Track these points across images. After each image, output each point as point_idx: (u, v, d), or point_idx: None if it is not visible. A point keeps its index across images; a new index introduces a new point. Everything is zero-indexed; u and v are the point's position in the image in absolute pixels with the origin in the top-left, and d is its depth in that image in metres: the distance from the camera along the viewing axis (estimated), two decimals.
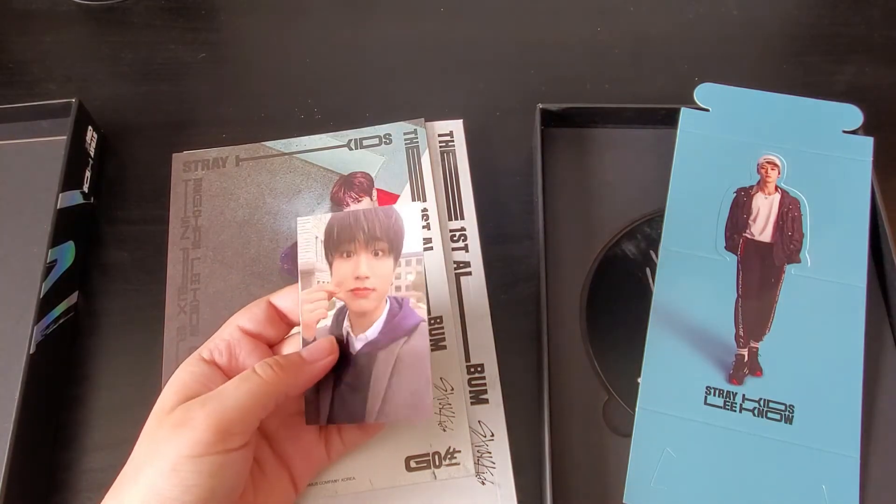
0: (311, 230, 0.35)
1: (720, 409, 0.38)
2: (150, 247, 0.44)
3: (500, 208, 0.45)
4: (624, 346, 0.40)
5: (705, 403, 0.38)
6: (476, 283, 0.42)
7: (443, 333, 0.40)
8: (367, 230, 0.34)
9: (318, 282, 0.34)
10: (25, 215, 0.45)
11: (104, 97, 0.50)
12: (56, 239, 0.41)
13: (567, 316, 0.42)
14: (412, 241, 0.34)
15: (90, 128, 0.47)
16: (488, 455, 0.38)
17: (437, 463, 0.37)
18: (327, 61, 0.52)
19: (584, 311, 0.42)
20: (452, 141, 0.47)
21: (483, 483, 0.37)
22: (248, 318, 0.33)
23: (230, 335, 0.33)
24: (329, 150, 0.46)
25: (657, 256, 0.41)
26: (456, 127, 0.47)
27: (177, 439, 0.27)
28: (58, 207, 0.42)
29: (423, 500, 0.37)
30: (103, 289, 0.44)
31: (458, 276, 0.42)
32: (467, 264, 0.43)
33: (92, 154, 0.47)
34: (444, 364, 0.40)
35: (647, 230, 0.44)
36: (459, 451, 0.38)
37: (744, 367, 0.38)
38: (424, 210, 0.44)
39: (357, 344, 0.34)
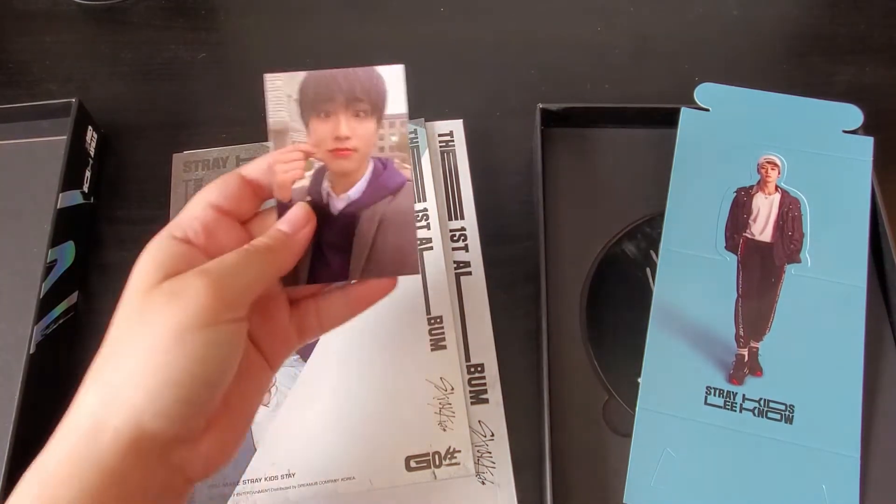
0: (281, 88, 0.33)
1: (720, 409, 0.38)
2: None
3: (500, 208, 0.45)
4: (624, 345, 0.40)
5: (705, 403, 0.38)
6: (476, 283, 0.42)
7: (443, 333, 0.40)
8: (346, 90, 0.33)
9: (293, 142, 0.32)
10: (25, 215, 0.45)
11: (104, 97, 0.50)
12: (56, 239, 0.41)
13: (567, 316, 0.41)
14: (395, 102, 0.33)
15: (90, 128, 0.47)
16: (488, 455, 0.38)
17: (437, 463, 0.37)
18: (327, 61, 0.52)
19: (584, 311, 0.42)
20: (452, 141, 0.47)
21: (483, 483, 0.37)
22: (221, 194, 0.31)
23: (203, 214, 0.30)
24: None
25: (657, 256, 0.41)
26: (456, 127, 0.47)
27: (176, 310, 0.26)
28: (58, 207, 0.42)
29: (423, 500, 0.37)
30: (103, 289, 0.44)
31: (458, 275, 0.42)
32: (467, 264, 0.43)
33: (92, 154, 0.47)
34: (444, 364, 0.40)
35: (648, 230, 0.44)
36: (459, 451, 0.38)
37: (744, 367, 0.38)
38: (424, 210, 0.44)
39: (338, 204, 0.32)
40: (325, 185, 0.32)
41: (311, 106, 0.33)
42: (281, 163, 0.32)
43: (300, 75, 0.33)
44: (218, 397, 0.27)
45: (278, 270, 0.30)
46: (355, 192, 0.32)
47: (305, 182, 0.32)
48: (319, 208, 0.32)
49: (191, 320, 0.26)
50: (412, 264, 0.32)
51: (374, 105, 0.33)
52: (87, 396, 0.27)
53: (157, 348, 0.25)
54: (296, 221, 0.31)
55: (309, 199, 0.32)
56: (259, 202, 0.33)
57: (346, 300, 0.33)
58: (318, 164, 0.32)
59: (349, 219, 0.32)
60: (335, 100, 0.33)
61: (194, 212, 0.31)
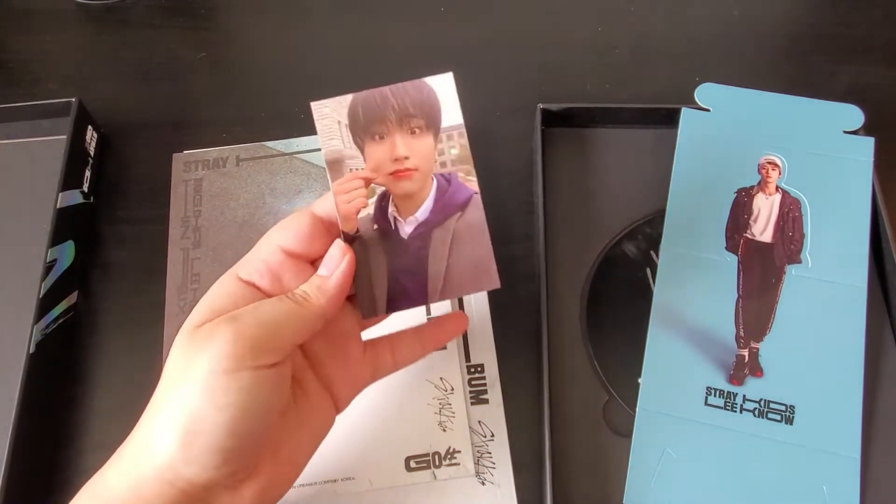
0: (330, 115, 0.31)
1: (720, 410, 0.37)
2: (150, 247, 0.44)
3: (500, 208, 0.45)
4: (624, 346, 0.40)
5: (706, 404, 0.38)
6: None
7: None
8: (397, 108, 0.31)
9: (350, 169, 0.31)
10: (25, 215, 0.45)
11: (104, 97, 0.50)
12: (56, 238, 0.41)
13: (567, 316, 0.41)
14: (450, 113, 0.31)
15: (90, 127, 0.47)
16: (488, 455, 0.38)
17: (437, 463, 0.37)
18: (328, 61, 0.52)
19: (584, 311, 0.42)
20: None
21: (483, 483, 0.37)
22: (292, 236, 0.30)
23: (270, 257, 0.30)
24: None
25: (658, 256, 0.41)
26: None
27: (206, 354, 0.26)
28: (58, 207, 0.42)
29: (423, 500, 0.37)
30: (103, 289, 0.44)
31: None
32: None
33: (92, 154, 0.47)
34: (445, 364, 0.40)
35: (648, 230, 0.43)
36: (459, 452, 0.38)
37: (744, 368, 0.38)
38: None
39: (407, 228, 0.31)
40: (391, 210, 0.31)
41: (364, 129, 0.31)
42: (341, 193, 0.31)
43: (347, 98, 0.32)
44: (252, 445, 0.27)
45: (318, 318, 0.29)
46: (423, 213, 0.31)
47: (370, 210, 0.31)
48: (388, 235, 0.31)
49: (215, 365, 0.26)
50: (492, 277, 0.31)
51: (428, 119, 0.31)
52: (138, 431, 0.27)
53: (189, 393, 0.26)
54: (331, 261, 0.30)
55: (376, 227, 0.31)
56: (332, 239, 0.31)
57: (419, 340, 0.34)
58: (380, 190, 0.31)
59: (420, 241, 0.31)
60: (387, 119, 0.31)
61: (262, 253, 0.30)
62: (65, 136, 0.44)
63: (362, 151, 0.31)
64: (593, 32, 0.53)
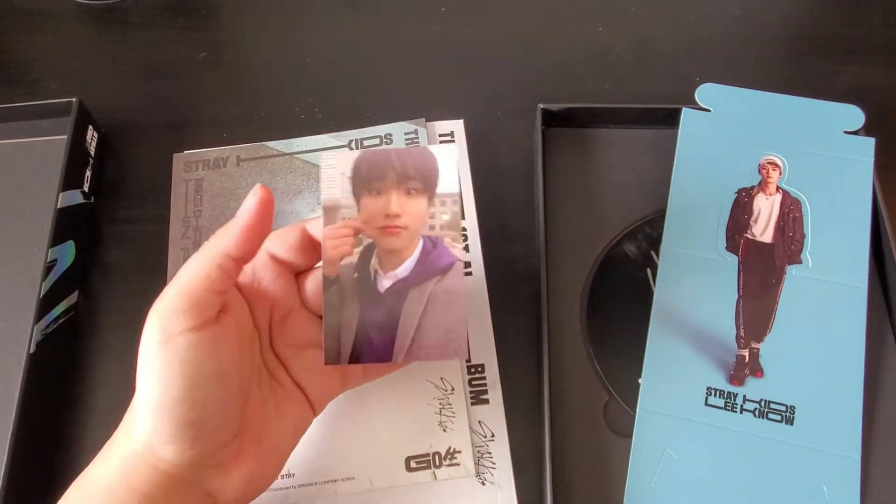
0: (336, 166, 0.33)
1: (721, 410, 0.37)
2: (151, 247, 0.44)
3: (500, 208, 0.45)
4: (624, 346, 0.40)
5: (706, 404, 0.38)
6: (476, 283, 0.42)
7: None
8: (399, 169, 0.33)
9: (344, 218, 0.33)
10: (25, 215, 0.45)
11: (104, 97, 0.50)
12: (56, 238, 0.41)
13: (567, 316, 0.41)
14: (447, 181, 0.33)
15: (90, 127, 0.47)
16: (488, 455, 0.38)
17: (438, 463, 0.37)
18: (328, 61, 0.52)
19: (584, 312, 0.42)
20: (453, 141, 0.47)
21: (483, 483, 0.37)
22: (280, 244, 0.32)
23: (256, 258, 0.31)
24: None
25: (658, 257, 0.41)
26: (457, 127, 0.47)
27: (146, 332, 0.27)
28: (58, 207, 0.42)
29: (423, 500, 0.37)
30: (103, 289, 0.44)
31: None
32: (468, 264, 0.43)
33: (92, 153, 0.47)
34: (445, 364, 0.40)
35: (648, 230, 0.43)
36: (460, 452, 0.38)
37: (744, 368, 0.38)
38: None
39: (385, 282, 0.32)
40: (374, 262, 0.32)
41: (364, 183, 0.33)
42: (330, 238, 0.32)
43: (354, 154, 0.33)
44: (218, 415, 0.28)
45: (225, 258, 0.28)
46: (403, 270, 0.32)
47: (354, 259, 0.32)
48: (366, 285, 0.32)
49: (151, 342, 0.27)
50: (461, 348, 0.32)
51: (426, 183, 0.33)
52: (125, 421, 0.29)
53: (143, 375, 0.27)
54: (245, 202, 0.29)
55: (356, 275, 0.32)
56: (317, 257, 0.33)
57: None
58: (367, 241, 0.32)
59: (396, 297, 0.32)
60: (387, 177, 0.33)
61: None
62: (65, 136, 0.44)
63: (358, 203, 0.33)
64: (593, 32, 0.53)
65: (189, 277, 0.28)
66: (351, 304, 0.32)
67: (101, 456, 0.29)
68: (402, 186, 0.33)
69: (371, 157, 0.33)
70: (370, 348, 0.32)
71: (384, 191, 0.33)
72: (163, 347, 0.27)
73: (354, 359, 0.32)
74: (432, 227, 0.32)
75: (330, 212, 0.33)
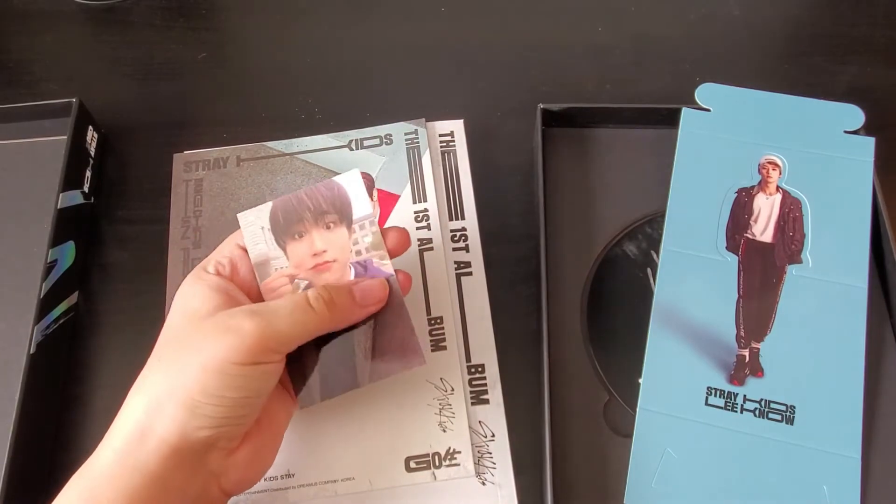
0: (254, 222, 0.35)
1: (721, 410, 0.37)
2: (151, 247, 0.44)
3: (500, 208, 0.45)
4: (625, 346, 0.40)
5: (706, 404, 0.38)
6: (477, 283, 0.42)
7: (443, 334, 0.40)
8: (312, 207, 0.34)
9: (276, 269, 0.34)
10: (25, 215, 0.45)
11: (105, 97, 0.50)
12: (56, 239, 0.41)
13: (568, 316, 0.41)
14: (360, 204, 0.34)
15: (91, 127, 0.47)
16: (489, 455, 0.38)
17: (437, 463, 0.37)
18: (328, 61, 0.52)
19: (584, 311, 0.42)
20: (453, 141, 0.47)
21: (483, 483, 0.37)
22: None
23: (231, 252, 0.34)
24: (330, 151, 0.46)
25: (658, 256, 0.41)
26: (457, 127, 0.47)
27: (225, 343, 0.28)
28: (58, 207, 0.42)
29: (423, 500, 0.37)
30: (103, 289, 0.44)
31: (458, 276, 0.42)
32: (468, 264, 0.43)
33: (92, 154, 0.47)
34: (445, 364, 0.40)
35: (648, 230, 0.43)
36: (459, 452, 0.38)
37: (745, 368, 0.38)
38: (424, 210, 0.44)
39: None
40: None
41: (284, 230, 0.34)
42: (269, 291, 0.34)
43: (267, 206, 0.35)
44: (252, 417, 0.30)
45: (327, 328, 0.32)
46: None
47: None
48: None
49: (236, 357, 0.28)
50: (418, 355, 0.33)
51: (341, 213, 0.34)
52: (133, 406, 0.29)
53: (205, 371, 0.28)
54: (370, 296, 0.33)
55: None
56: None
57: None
58: (304, 283, 0.34)
59: (345, 328, 0.33)
60: (304, 219, 0.34)
61: (224, 251, 0.34)
62: (65, 137, 0.44)
63: (285, 251, 0.34)
64: (593, 32, 0.53)
65: (297, 326, 0.31)
66: (308, 346, 0.33)
67: (105, 440, 0.29)
68: (321, 223, 0.34)
69: (284, 204, 0.34)
70: (337, 381, 0.33)
71: (305, 232, 0.34)
72: (245, 368, 0.29)
73: (327, 395, 0.33)
74: (359, 252, 0.34)
75: (261, 267, 0.34)
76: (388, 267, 0.34)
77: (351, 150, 0.46)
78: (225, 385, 0.28)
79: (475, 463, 0.38)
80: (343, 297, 0.32)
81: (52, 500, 0.38)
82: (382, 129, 0.46)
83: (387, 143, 0.46)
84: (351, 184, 0.34)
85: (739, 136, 0.44)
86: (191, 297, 0.31)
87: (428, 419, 0.38)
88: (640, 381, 0.38)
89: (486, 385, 0.40)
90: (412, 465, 0.37)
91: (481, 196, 0.45)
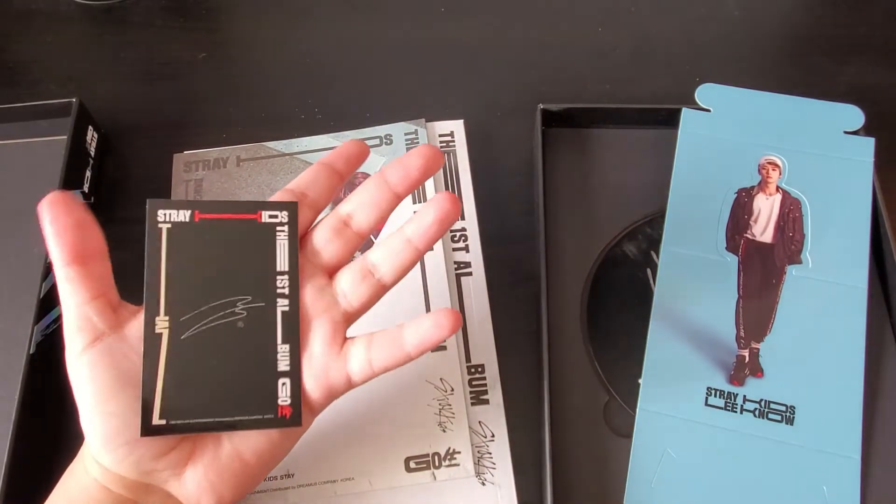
0: None
1: (721, 410, 0.37)
2: None
3: (500, 208, 0.45)
4: (624, 346, 0.40)
5: (706, 404, 0.38)
6: (476, 284, 0.42)
7: None
8: None
9: None
10: (25, 215, 0.45)
11: (104, 97, 0.50)
12: None
13: (567, 316, 0.41)
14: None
15: (90, 127, 0.47)
16: (489, 455, 0.38)
17: (437, 464, 0.37)
18: (328, 61, 0.52)
19: (584, 312, 0.42)
20: (453, 141, 0.47)
21: (483, 484, 0.37)
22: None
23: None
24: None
25: (658, 257, 0.41)
26: (457, 127, 0.47)
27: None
28: None
29: (423, 500, 0.37)
30: None
31: (458, 276, 0.42)
32: (468, 265, 0.43)
33: (92, 154, 0.47)
34: (445, 364, 0.40)
35: (648, 230, 0.43)
36: (459, 452, 0.38)
37: (744, 368, 0.38)
38: None
39: None
40: None
41: None
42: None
43: None
44: (131, 427, 0.28)
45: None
46: None
47: None
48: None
49: (68, 356, 0.29)
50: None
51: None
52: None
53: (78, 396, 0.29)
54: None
55: None
56: (309, 210, 0.32)
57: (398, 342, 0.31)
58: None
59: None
60: None
61: None
62: (65, 137, 0.44)
63: None
64: (593, 32, 0.53)
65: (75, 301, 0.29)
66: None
67: (59, 485, 0.29)
68: None
69: None
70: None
71: None
72: (75, 361, 0.29)
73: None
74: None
75: None
76: None
77: None
78: (80, 389, 0.29)
79: (475, 463, 0.38)
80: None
81: None
82: (382, 129, 0.46)
83: (387, 143, 0.46)
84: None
85: (739, 136, 0.44)
86: None
87: (428, 419, 0.38)
88: (640, 381, 0.38)
89: (485, 385, 0.40)
90: (412, 465, 0.37)
91: (481, 196, 0.45)
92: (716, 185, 0.43)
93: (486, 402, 0.39)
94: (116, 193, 0.47)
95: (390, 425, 0.38)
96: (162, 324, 0.29)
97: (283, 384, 0.30)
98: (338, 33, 0.53)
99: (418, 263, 0.42)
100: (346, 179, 0.33)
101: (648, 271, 0.42)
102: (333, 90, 0.51)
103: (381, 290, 0.31)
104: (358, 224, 0.31)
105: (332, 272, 0.32)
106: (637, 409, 0.38)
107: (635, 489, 0.36)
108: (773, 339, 0.39)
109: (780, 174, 0.43)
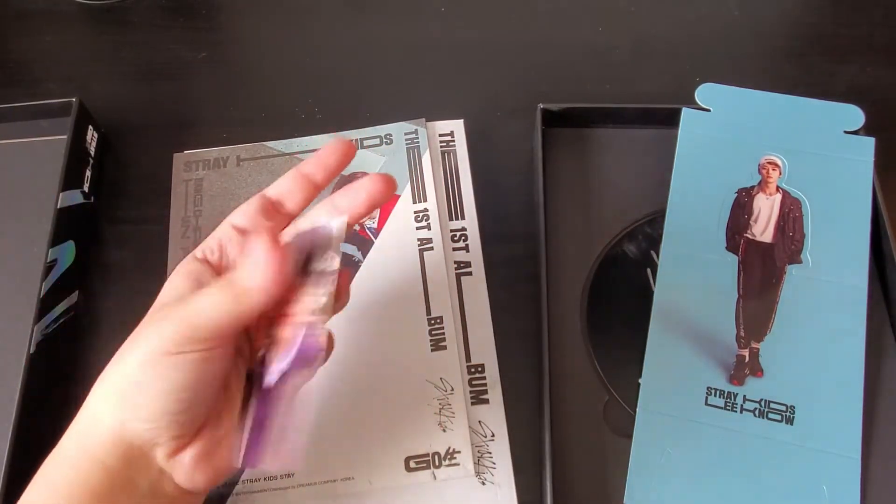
0: None
1: (721, 410, 0.37)
2: (151, 247, 0.44)
3: (500, 208, 0.45)
4: (625, 346, 0.40)
5: (706, 404, 0.38)
6: (476, 283, 0.42)
7: (443, 333, 0.40)
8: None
9: None
10: (25, 215, 0.45)
11: (104, 97, 0.50)
12: (56, 239, 0.41)
13: (568, 316, 0.41)
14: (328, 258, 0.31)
15: (90, 127, 0.47)
16: (489, 455, 0.38)
17: (437, 463, 0.37)
18: (328, 61, 0.52)
19: (584, 312, 0.42)
20: (453, 141, 0.47)
21: (483, 483, 0.37)
22: (240, 214, 0.32)
23: (223, 234, 0.32)
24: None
25: (658, 257, 0.41)
26: (457, 127, 0.47)
27: (153, 332, 0.28)
28: (58, 207, 0.42)
29: (423, 500, 0.37)
30: (103, 289, 0.44)
31: (458, 276, 0.42)
32: (468, 264, 0.43)
33: (92, 154, 0.47)
34: (445, 364, 0.40)
35: (648, 230, 0.43)
36: (459, 452, 0.38)
37: (745, 368, 0.38)
38: (424, 210, 0.44)
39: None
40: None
41: None
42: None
43: None
44: (194, 414, 0.29)
45: (252, 310, 0.28)
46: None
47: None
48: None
49: (161, 346, 0.28)
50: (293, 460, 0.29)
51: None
52: (92, 395, 0.29)
53: (139, 362, 0.28)
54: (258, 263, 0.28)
55: None
56: (284, 219, 0.32)
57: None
58: None
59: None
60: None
61: (217, 233, 0.32)
62: (65, 136, 0.44)
63: None
64: (593, 32, 0.53)
65: (220, 313, 0.28)
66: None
67: (70, 426, 0.29)
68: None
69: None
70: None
71: None
72: (169, 357, 0.28)
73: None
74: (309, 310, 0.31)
75: None
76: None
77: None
78: (156, 376, 0.28)
79: (475, 463, 0.38)
80: (249, 270, 0.28)
81: None
82: (382, 129, 0.46)
83: (387, 143, 0.46)
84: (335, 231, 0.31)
85: (739, 136, 0.44)
86: (167, 287, 0.31)
87: (428, 419, 0.38)
88: (640, 381, 0.38)
89: (485, 385, 0.40)
90: (412, 464, 0.37)
91: (481, 196, 0.45)
92: (716, 184, 0.43)
93: (486, 401, 0.39)
94: (116, 193, 0.47)
95: (390, 425, 0.38)
96: None
97: None
98: (338, 33, 0.53)
99: (418, 263, 0.42)
100: (323, 189, 0.33)
101: (648, 271, 0.42)
102: (333, 90, 0.51)
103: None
104: None
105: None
106: (637, 409, 0.38)
107: (635, 489, 0.36)
108: (773, 339, 0.39)
109: (780, 174, 0.43)
